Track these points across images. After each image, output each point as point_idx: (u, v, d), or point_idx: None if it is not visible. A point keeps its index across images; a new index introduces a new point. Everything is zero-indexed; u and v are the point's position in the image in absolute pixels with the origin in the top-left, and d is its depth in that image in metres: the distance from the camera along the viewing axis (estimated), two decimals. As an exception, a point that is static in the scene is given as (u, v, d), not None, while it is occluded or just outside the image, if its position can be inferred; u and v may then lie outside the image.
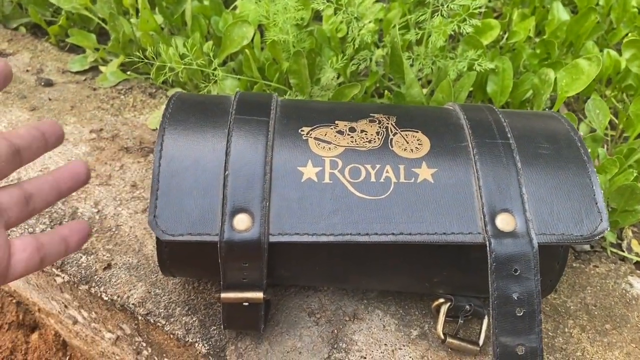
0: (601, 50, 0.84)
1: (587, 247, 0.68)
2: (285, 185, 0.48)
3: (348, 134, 0.51)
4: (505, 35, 0.91)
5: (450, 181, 0.48)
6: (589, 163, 0.49)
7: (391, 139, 0.51)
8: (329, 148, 0.50)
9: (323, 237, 0.47)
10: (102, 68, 0.95)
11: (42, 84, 0.92)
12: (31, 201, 0.46)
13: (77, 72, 0.96)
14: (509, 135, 0.51)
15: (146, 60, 0.75)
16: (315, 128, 0.51)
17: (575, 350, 0.57)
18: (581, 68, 0.66)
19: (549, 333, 0.58)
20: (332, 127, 0.52)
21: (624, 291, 0.63)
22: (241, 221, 0.47)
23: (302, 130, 0.51)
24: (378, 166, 0.49)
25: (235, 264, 0.48)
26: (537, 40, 0.92)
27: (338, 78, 0.82)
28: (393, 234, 0.47)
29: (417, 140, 0.51)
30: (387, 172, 0.49)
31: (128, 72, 0.93)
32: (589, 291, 0.63)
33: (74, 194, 0.71)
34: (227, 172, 0.48)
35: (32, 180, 0.47)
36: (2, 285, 0.44)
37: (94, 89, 0.92)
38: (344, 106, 0.56)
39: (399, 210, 0.47)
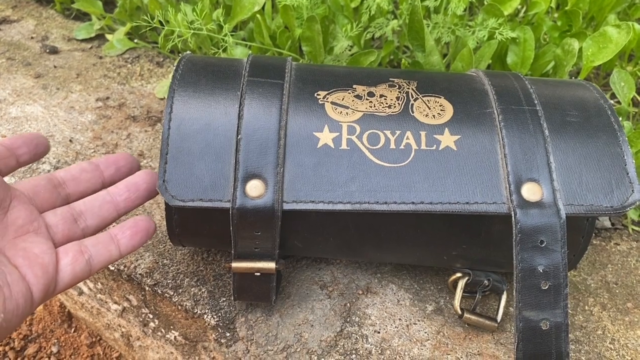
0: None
1: (607, 223, 0.66)
2: (300, 151, 0.46)
3: (367, 99, 0.49)
4: (524, 9, 0.88)
5: (474, 149, 0.46)
6: (620, 132, 0.47)
7: (412, 104, 0.48)
8: (347, 113, 0.48)
9: (339, 205, 0.45)
10: (108, 36, 0.92)
11: (47, 51, 0.89)
12: (81, 218, 0.45)
13: (82, 40, 0.93)
14: (536, 102, 0.48)
15: (154, 25, 0.73)
16: (332, 92, 0.49)
17: (595, 328, 0.55)
18: (609, 36, 0.64)
19: (569, 311, 0.56)
20: (349, 91, 0.49)
21: (646, 269, 0.61)
22: (254, 187, 0.45)
23: (318, 95, 0.49)
24: (398, 132, 0.47)
25: (247, 233, 0.46)
26: (556, 15, 0.89)
27: (352, 48, 0.79)
28: (413, 202, 0.45)
29: (440, 105, 0.48)
30: (407, 138, 0.47)
31: (135, 40, 0.91)
32: (610, 269, 0.61)
33: (79, 162, 0.69)
34: (239, 137, 0.46)
35: (83, 200, 0.46)
36: (53, 296, 0.42)
37: (100, 57, 0.89)
38: (362, 70, 0.53)
39: (420, 178, 0.45)
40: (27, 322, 0.77)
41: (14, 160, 0.44)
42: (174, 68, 0.50)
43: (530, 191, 0.44)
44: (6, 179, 0.64)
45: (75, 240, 0.44)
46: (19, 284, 0.39)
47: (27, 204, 0.43)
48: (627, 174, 0.46)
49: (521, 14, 0.88)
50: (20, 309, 0.38)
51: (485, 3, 0.71)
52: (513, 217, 0.44)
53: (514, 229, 0.44)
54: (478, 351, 0.52)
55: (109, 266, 0.59)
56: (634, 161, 0.46)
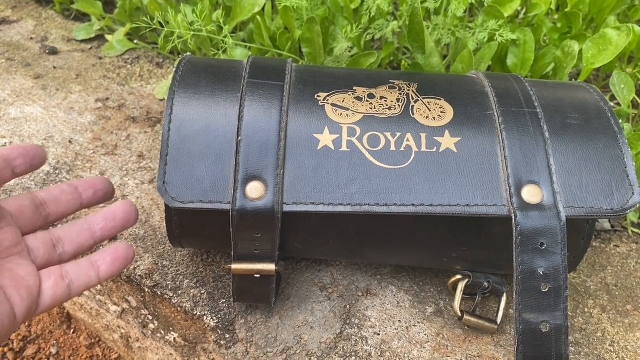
0: (623, 26, 0.81)
1: (607, 226, 0.66)
2: (300, 152, 0.46)
3: (367, 101, 0.49)
4: (524, 11, 0.88)
5: (475, 151, 0.46)
6: (621, 134, 0.47)
7: (412, 106, 0.48)
8: (347, 115, 0.48)
9: (339, 207, 0.45)
10: (108, 37, 0.92)
11: (47, 52, 0.89)
12: (59, 244, 0.46)
13: (82, 41, 0.93)
14: (536, 104, 0.48)
15: (153, 26, 0.72)
16: (332, 94, 0.49)
17: (595, 330, 0.55)
18: (609, 38, 0.64)
19: (569, 313, 0.56)
20: (350, 93, 0.49)
21: (645, 272, 0.61)
22: (254, 189, 0.45)
23: (318, 96, 0.49)
24: (398, 134, 0.47)
25: (247, 234, 0.46)
26: (556, 17, 0.89)
27: (352, 49, 0.79)
28: (413, 204, 0.45)
29: (440, 108, 0.48)
30: (407, 140, 0.47)
31: (135, 41, 0.90)
32: (610, 271, 0.61)
33: (78, 162, 0.69)
34: (240, 138, 0.46)
35: (62, 226, 0.47)
36: (35, 316, 0.44)
37: (100, 58, 0.89)
38: (362, 72, 0.53)
39: (420, 180, 0.45)
40: (27, 324, 0.77)
41: (10, 171, 0.44)
42: (174, 69, 0.50)
43: (531, 193, 0.44)
44: None
45: (53, 265, 0.45)
46: (4, 305, 0.40)
47: (13, 226, 0.44)
48: (628, 176, 0.46)
49: (521, 16, 0.89)
50: (4, 329, 0.39)
51: (486, 5, 0.71)
52: (513, 220, 0.44)
53: (514, 231, 0.44)
54: (478, 353, 0.52)
55: (109, 267, 0.59)
56: (634, 163, 0.46)
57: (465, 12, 0.72)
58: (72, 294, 0.44)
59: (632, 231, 0.66)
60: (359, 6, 0.80)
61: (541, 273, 0.43)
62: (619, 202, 0.45)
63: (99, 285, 0.64)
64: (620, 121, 0.64)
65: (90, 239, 0.47)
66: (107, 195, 0.50)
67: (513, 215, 0.44)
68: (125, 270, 0.58)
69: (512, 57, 0.72)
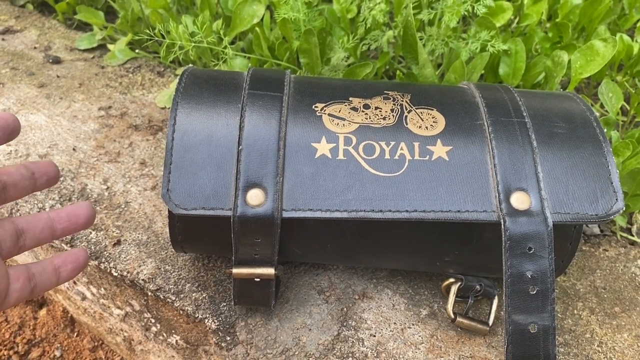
0: (613, 35, 0.83)
1: (596, 230, 0.68)
2: (299, 161, 0.48)
3: (362, 111, 0.51)
4: (516, 20, 0.90)
5: (465, 159, 0.48)
6: (605, 143, 0.49)
7: (406, 116, 0.51)
8: (343, 124, 0.50)
9: (336, 213, 0.47)
10: (110, 46, 0.94)
11: (50, 61, 0.91)
12: (22, 237, 0.46)
13: (84, 50, 0.95)
14: (525, 114, 0.51)
15: (155, 38, 0.74)
16: (329, 104, 0.51)
17: (584, 332, 0.57)
18: (596, 49, 0.66)
19: (559, 315, 0.58)
20: (346, 103, 0.51)
21: (633, 275, 0.63)
22: (255, 196, 0.47)
23: (315, 107, 0.51)
24: (392, 143, 0.49)
25: (247, 240, 0.48)
26: (548, 25, 0.91)
27: (348, 59, 0.81)
28: (407, 211, 0.47)
29: (432, 117, 0.50)
30: (401, 149, 0.49)
31: (137, 51, 0.92)
32: (599, 274, 0.63)
33: (82, 170, 0.71)
34: (240, 147, 0.48)
35: (26, 217, 0.47)
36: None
37: (102, 67, 0.91)
38: (357, 83, 0.56)
39: (413, 187, 0.47)
40: (31, 327, 0.79)
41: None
42: (177, 81, 0.52)
43: (519, 200, 0.46)
44: None
45: (14, 256, 0.46)
46: None
47: None
48: (612, 183, 0.48)
49: (514, 25, 0.91)
50: None
51: (478, 15, 0.73)
52: (502, 225, 0.46)
53: (503, 236, 0.46)
54: (470, 354, 0.53)
55: (112, 272, 0.60)
56: (617, 171, 0.48)
57: (458, 22, 0.74)
58: (32, 295, 0.46)
59: (621, 235, 0.68)
60: (355, 17, 0.82)
61: (529, 276, 0.45)
62: (603, 208, 0.47)
63: (102, 289, 0.66)
64: (607, 129, 0.66)
65: (49, 237, 0.48)
66: (54, 181, 0.50)
67: (502, 220, 0.46)
68: (128, 274, 0.60)
69: (503, 67, 0.75)
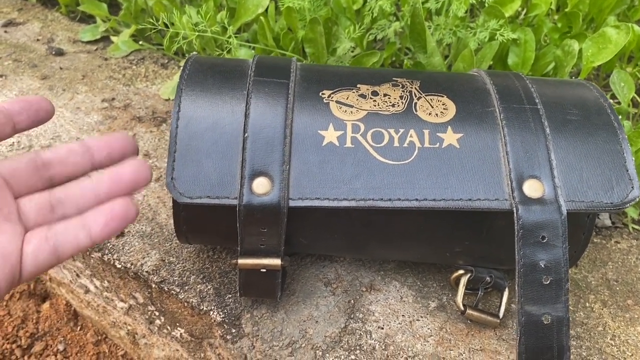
0: (623, 25, 0.82)
1: (608, 222, 0.67)
2: (305, 149, 0.47)
3: (371, 98, 0.50)
4: (524, 11, 0.89)
5: (477, 146, 0.47)
6: (620, 130, 0.48)
7: (415, 103, 0.49)
8: (351, 112, 0.49)
9: (344, 202, 0.46)
10: (113, 38, 0.93)
11: (53, 53, 0.90)
12: (58, 207, 0.41)
13: (88, 42, 0.94)
14: (537, 101, 0.49)
15: (159, 28, 0.73)
16: (336, 91, 0.50)
17: (596, 325, 0.55)
18: (608, 37, 0.65)
19: (570, 307, 0.57)
20: (354, 90, 0.50)
21: (646, 267, 0.62)
22: (261, 185, 0.46)
23: (322, 94, 0.50)
24: (402, 130, 0.48)
25: (253, 229, 0.47)
26: (556, 17, 0.90)
27: (354, 49, 0.80)
28: (417, 199, 0.46)
29: (443, 104, 0.49)
30: (411, 136, 0.47)
31: (140, 42, 0.92)
32: (611, 267, 0.62)
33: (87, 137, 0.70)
34: (246, 135, 0.47)
35: (65, 187, 0.42)
36: (19, 285, 0.39)
37: (106, 59, 0.90)
38: (365, 70, 0.54)
39: (423, 175, 0.46)
40: (34, 321, 0.78)
41: (10, 127, 0.41)
42: (182, 68, 0.51)
43: (532, 188, 0.45)
44: None
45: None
46: None
47: (3, 189, 0.39)
48: (627, 170, 0.46)
49: (522, 16, 0.89)
50: None
51: (486, 5, 0.72)
52: (515, 213, 0.45)
53: (515, 224, 0.45)
54: (480, 347, 0.52)
55: (116, 264, 0.60)
56: (633, 159, 0.47)
57: (466, 12, 0.73)
58: (60, 258, 0.39)
59: (633, 227, 0.67)
60: (362, 7, 0.81)
61: (542, 266, 0.44)
62: (618, 196, 0.46)
63: (106, 282, 0.65)
64: (620, 118, 0.65)
65: (94, 202, 0.41)
66: (126, 154, 0.44)
67: (515, 209, 0.45)
68: (132, 267, 0.59)
69: (512, 56, 0.73)
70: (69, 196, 0.41)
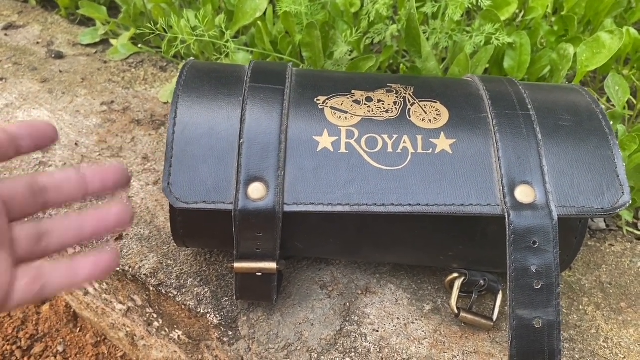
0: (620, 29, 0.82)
1: (602, 225, 0.67)
2: (300, 154, 0.48)
3: (365, 104, 0.50)
4: (521, 14, 0.89)
5: (469, 152, 0.47)
6: (611, 135, 0.48)
7: (409, 109, 0.50)
8: (345, 117, 0.49)
9: (338, 207, 0.47)
10: (112, 41, 0.94)
11: (53, 56, 0.91)
12: (44, 238, 0.42)
13: (87, 45, 0.95)
14: (529, 107, 0.50)
15: (158, 32, 0.74)
16: (331, 97, 0.51)
17: (589, 327, 0.56)
18: (602, 42, 0.65)
19: (564, 310, 0.57)
20: (348, 96, 0.51)
21: (639, 270, 0.62)
22: (256, 190, 0.47)
23: (317, 100, 0.50)
24: (395, 136, 0.48)
25: (249, 234, 0.48)
26: (553, 19, 0.90)
27: (351, 53, 0.81)
28: (410, 204, 0.46)
29: (436, 110, 0.50)
30: (404, 142, 0.48)
31: (139, 45, 0.92)
32: (604, 269, 0.62)
33: (84, 164, 0.71)
34: (242, 140, 0.48)
35: (53, 219, 0.43)
36: (1, 312, 0.41)
37: (105, 62, 0.91)
38: (360, 76, 0.55)
39: (416, 181, 0.47)
40: (34, 322, 0.79)
41: (13, 149, 0.42)
42: (178, 74, 0.52)
43: (524, 193, 0.46)
44: None
45: (36, 257, 0.43)
46: None
47: (1, 214, 0.41)
48: (618, 176, 0.47)
49: (519, 19, 0.90)
50: None
51: (483, 8, 0.72)
52: (506, 219, 0.45)
53: (507, 230, 0.45)
54: (474, 349, 0.53)
55: (114, 267, 0.60)
56: (624, 164, 0.47)
57: (462, 16, 0.73)
58: (45, 296, 0.42)
59: (627, 230, 0.67)
60: (359, 10, 0.81)
61: (534, 270, 0.45)
62: (609, 202, 0.46)
63: (104, 284, 0.66)
64: (612, 123, 0.65)
65: (77, 239, 0.44)
66: (119, 185, 0.46)
67: (506, 214, 0.45)
68: (130, 269, 0.59)
69: (508, 60, 0.74)
70: (54, 230, 0.43)
